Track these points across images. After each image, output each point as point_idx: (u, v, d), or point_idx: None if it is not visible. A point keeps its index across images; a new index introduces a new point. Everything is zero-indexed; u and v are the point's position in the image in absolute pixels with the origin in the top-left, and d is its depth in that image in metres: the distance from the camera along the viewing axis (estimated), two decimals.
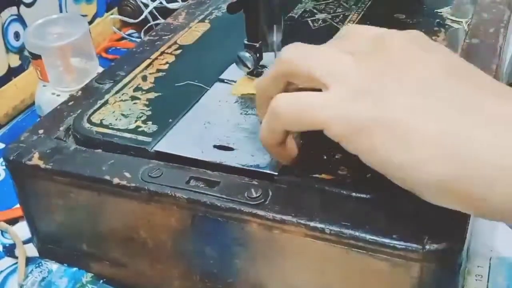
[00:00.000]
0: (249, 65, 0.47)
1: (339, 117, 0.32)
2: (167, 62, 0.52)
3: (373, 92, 0.31)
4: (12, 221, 0.54)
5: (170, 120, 0.44)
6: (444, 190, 0.29)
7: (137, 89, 0.49)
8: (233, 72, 0.48)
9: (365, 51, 0.33)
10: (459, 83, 0.31)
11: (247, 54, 0.46)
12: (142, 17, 0.83)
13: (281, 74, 0.36)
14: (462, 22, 0.54)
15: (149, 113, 0.45)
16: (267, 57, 0.48)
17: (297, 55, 0.35)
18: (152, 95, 0.48)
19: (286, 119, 0.34)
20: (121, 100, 0.47)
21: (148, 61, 0.53)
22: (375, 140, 0.31)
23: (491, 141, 0.28)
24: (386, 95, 0.31)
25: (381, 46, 0.33)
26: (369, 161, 0.32)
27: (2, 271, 0.50)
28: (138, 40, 0.82)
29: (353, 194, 0.36)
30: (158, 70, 0.51)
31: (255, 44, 0.47)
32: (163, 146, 0.42)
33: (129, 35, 0.85)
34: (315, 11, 0.59)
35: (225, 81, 0.48)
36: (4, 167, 0.60)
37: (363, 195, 0.36)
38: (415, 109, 0.30)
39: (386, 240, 0.33)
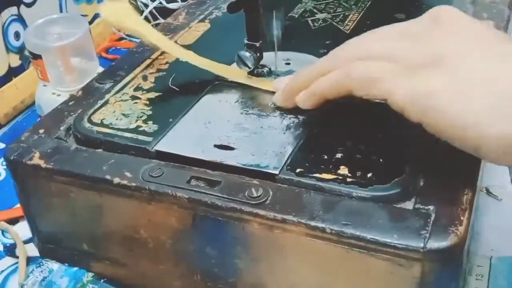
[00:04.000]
0: (250, 64, 0.47)
1: (404, 86, 0.35)
2: (167, 62, 0.52)
3: (436, 62, 0.34)
4: (13, 221, 0.54)
5: (171, 120, 0.44)
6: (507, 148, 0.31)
7: (137, 88, 0.49)
8: None
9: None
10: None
11: (248, 54, 0.47)
12: (142, 17, 0.83)
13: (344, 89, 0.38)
14: None
15: (150, 112, 0.45)
16: (267, 56, 0.48)
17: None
18: (152, 94, 0.48)
19: (356, 85, 0.37)
20: (122, 100, 0.47)
21: (148, 61, 0.53)
22: (441, 101, 0.33)
23: None
24: (449, 62, 0.34)
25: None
26: (435, 125, 0.34)
27: (2, 271, 0.50)
28: (138, 40, 0.82)
29: (354, 193, 0.36)
30: (159, 70, 0.51)
31: (255, 43, 0.47)
32: (163, 145, 0.42)
33: (129, 35, 0.85)
34: (315, 11, 0.59)
35: (226, 80, 0.48)
36: (5, 167, 0.60)
37: (364, 195, 0.36)
38: (478, 72, 0.33)
39: (387, 240, 0.33)
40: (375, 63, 0.36)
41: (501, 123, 0.31)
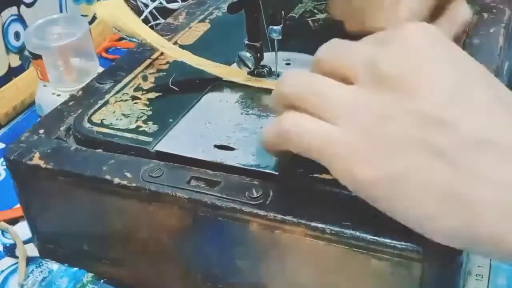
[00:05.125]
0: (250, 64, 0.47)
1: (344, 169, 0.32)
2: (167, 62, 0.52)
3: (377, 144, 0.31)
4: (13, 221, 0.54)
5: (171, 120, 0.44)
6: (452, 240, 0.30)
7: (137, 89, 0.49)
8: None
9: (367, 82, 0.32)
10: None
11: (248, 54, 0.47)
12: (142, 17, 0.83)
13: (286, 105, 0.35)
14: None
15: (150, 113, 0.45)
16: (267, 56, 0.48)
17: (300, 84, 0.35)
18: (152, 95, 0.48)
19: (294, 145, 0.34)
20: (122, 100, 0.47)
21: (148, 61, 0.53)
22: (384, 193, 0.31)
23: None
24: (384, 152, 0.31)
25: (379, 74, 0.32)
26: (379, 208, 0.32)
27: (2, 271, 0.50)
28: (138, 40, 0.82)
29: (354, 194, 0.36)
30: (159, 70, 0.51)
31: (255, 44, 0.47)
32: (163, 146, 0.42)
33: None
34: (315, 11, 0.59)
35: (226, 81, 0.48)
36: (5, 167, 0.60)
37: None
38: (414, 163, 0.30)
39: (387, 240, 0.33)
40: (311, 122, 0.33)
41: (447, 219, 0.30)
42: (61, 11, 0.77)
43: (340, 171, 0.32)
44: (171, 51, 0.51)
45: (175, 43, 0.56)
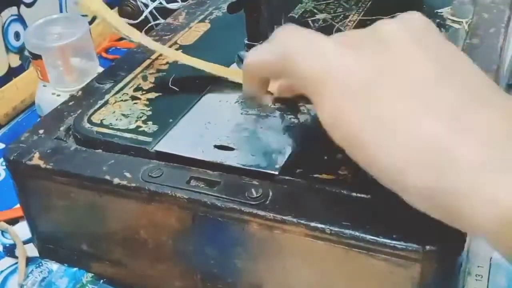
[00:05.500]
0: None
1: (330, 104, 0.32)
2: (167, 62, 0.52)
3: (368, 90, 0.31)
4: (12, 221, 0.54)
5: (171, 120, 0.44)
6: (423, 198, 0.29)
7: (137, 89, 0.49)
8: None
9: (361, 43, 0.33)
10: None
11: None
12: (142, 17, 0.83)
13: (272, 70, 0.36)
14: (462, 22, 0.54)
15: (150, 113, 0.45)
16: None
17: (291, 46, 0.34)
18: (152, 95, 0.48)
19: (294, 70, 0.33)
20: (122, 100, 0.47)
21: (148, 61, 0.53)
22: (364, 135, 0.30)
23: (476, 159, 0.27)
24: (380, 96, 0.31)
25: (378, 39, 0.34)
26: (355, 157, 0.31)
27: (2, 271, 0.50)
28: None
29: (354, 194, 0.36)
30: (158, 70, 0.51)
31: (255, 43, 0.47)
32: (163, 146, 0.42)
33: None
34: (315, 11, 0.59)
35: (226, 81, 0.48)
36: (4, 167, 0.60)
37: (364, 195, 0.36)
38: (406, 112, 0.30)
39: (386, 240, 0.33)
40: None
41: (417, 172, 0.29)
42: (61, 11, 0.77)
43: (330, 107, 0.31)
44: (140, 38, 0.51)
45: (175, 43, 0.56)
